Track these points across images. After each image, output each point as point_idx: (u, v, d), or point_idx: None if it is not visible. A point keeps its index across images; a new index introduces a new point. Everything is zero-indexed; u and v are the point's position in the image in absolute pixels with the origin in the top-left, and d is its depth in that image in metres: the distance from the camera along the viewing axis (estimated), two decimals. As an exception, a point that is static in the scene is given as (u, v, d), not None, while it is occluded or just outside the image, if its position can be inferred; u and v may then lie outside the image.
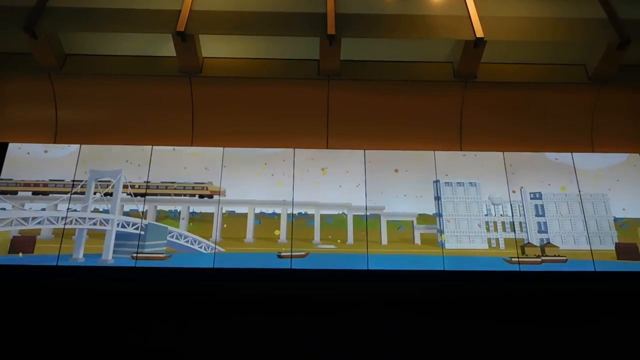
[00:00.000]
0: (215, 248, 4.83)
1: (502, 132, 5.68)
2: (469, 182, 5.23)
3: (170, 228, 4.86)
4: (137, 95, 5.62)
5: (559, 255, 4.81)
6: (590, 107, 5.69)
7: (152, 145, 5.42)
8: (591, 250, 4.90)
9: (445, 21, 5.40)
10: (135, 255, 4.66)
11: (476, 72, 5.60)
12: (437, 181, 5.27)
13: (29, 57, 5.47)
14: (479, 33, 5.20)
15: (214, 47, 5.64)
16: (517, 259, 4.82)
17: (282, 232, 4.92)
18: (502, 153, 5.50)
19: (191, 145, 5.57)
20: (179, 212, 4.98)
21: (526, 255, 4.85)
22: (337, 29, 5.20)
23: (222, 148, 5.43)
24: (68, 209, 4.79)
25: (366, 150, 5.48)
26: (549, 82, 5.64)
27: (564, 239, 4.94)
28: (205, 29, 5.31)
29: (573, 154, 5.51)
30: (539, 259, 4.77)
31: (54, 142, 5.51)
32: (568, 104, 5.68)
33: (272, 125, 5.66)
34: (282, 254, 4.86)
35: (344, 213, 5.06)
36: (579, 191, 5.26)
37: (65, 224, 4.71)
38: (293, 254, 4.90)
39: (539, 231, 4.97)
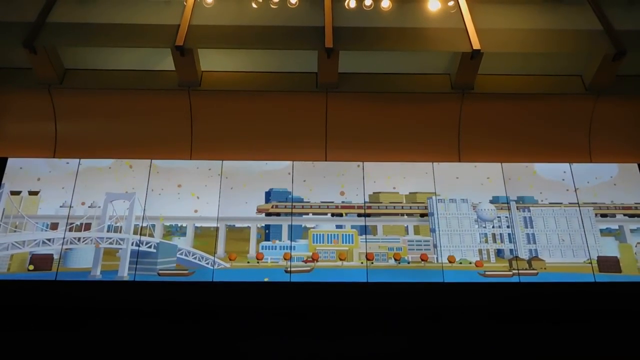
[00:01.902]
0: (215, 263, 5.07)
1: (500, 143, 5.88)
2: (461, 199, 5.45)
3: (179, 246, 5.12)
4: (136, 109, 5.83)
5: (544, 269, 5.09)
6: (588, 117, 5.90)
7: (151, 159, 5.63)
8: (592, 261, 5.14)
9: (442, 34, 5.62)
10: (160, 271, 4.99)
11: (473, 83, 5.82)
12: (430, 198, 5.49)
13: (28, 71, 5.70)
14: (476, 45, 5.42)
15: (213, 61, 5.86)
16: (490, 272, 5.10)
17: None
18: (500, 164, 5.72)
19: (190, 159, 5.79)
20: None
21: (514, 268, 5.09)
22: (335, 42, 5.41)
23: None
24: (66, 229, 5.12)
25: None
26: (546, 93, 5.85)
27: (552, 252, 5.18)
28: (204, 43, 5.54)
29: (571, 164, 5.72)
30: (510, 272, 5.04)
31: (54, 157, 5.70)
32: (565, 115, 5.89)
33: (270, 138, 5.86)
34: (289, 269, 5.07)
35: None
36: (578, 202, 5.48)
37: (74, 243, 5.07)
38: (300, 269, 5.10)
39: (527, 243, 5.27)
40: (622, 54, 5.45)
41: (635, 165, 5.76)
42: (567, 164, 5.72)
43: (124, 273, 4.94)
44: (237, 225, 5.31)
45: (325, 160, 5.78)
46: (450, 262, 5.12)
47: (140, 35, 5.52)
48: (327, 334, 4.59)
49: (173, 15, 5.65)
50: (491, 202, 5.45)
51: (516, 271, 5.07)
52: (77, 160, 5.59)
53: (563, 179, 5.62)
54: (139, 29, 5.57)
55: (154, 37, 5.51)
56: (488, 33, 5.59)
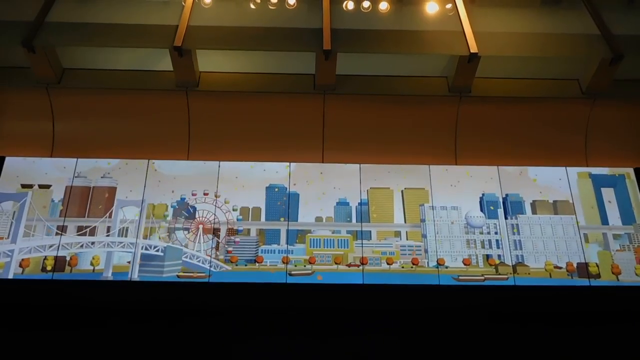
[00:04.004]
0: (211, 265, 5.39)
1: (497, 146, 6.12)
2: (452, 206, 5.73)
3: (184, 249, 5.44)
4: (134, 109, 6.06)
5: (529, 274, 5.41)
6: (584, 121, 6.14)
7: (149, 159, 5.88)
8: (587, 264, 5.45)
9: (439, 37, 5.85)
10: (180, 274, 5.34)
11: (471, 86, 6.06)
12: (422, 205, 5.75)
13: (27, 71, 5.92)
14: (473, 48, 5.63)
15: (211, 62, 6.08)
16: (463, 277, 5.39)
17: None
18: (496, 167, 5.98)
19: (187, 159, 6.06)
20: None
21: (499, 273, 5.39)
22: (333, 44, 5.63)
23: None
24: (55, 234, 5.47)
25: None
26: (543, 97, 6.08)
27: (537, 258, 5.49)
28: (202, 44, 5.76)
29: (567, 168, 5.97)
30: (482, 277, 5.36)
31: (51, 156, 5.93)
32: (562, 119, 6.13)
33: (268, 139, 6.10)
34: (292, 272, 5.35)
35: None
36: (575, 209, 5.76)
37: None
38: (301, 272, 5.37)
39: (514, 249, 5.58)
40: (619, 59, 5.67)
41: (631, 170, 5.99)
42: (563, 169, 5.97)
43: (135, 275, 5.29)
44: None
45: (322, 162, 6.03)
46: (440, 264, 5.41)
47: (139, 36, 5.74)
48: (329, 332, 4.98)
49: (171, 16, 5.86)
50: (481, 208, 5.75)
51: (488, 276, 5.37)
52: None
53: (556, 185, 5.90)
54: (137, 29, 5.78)
55: (153, 37, 5.73)
56: (485, 36, 5.80)
